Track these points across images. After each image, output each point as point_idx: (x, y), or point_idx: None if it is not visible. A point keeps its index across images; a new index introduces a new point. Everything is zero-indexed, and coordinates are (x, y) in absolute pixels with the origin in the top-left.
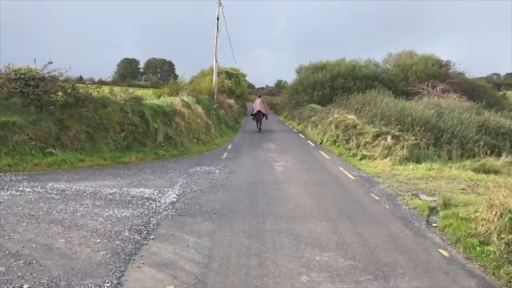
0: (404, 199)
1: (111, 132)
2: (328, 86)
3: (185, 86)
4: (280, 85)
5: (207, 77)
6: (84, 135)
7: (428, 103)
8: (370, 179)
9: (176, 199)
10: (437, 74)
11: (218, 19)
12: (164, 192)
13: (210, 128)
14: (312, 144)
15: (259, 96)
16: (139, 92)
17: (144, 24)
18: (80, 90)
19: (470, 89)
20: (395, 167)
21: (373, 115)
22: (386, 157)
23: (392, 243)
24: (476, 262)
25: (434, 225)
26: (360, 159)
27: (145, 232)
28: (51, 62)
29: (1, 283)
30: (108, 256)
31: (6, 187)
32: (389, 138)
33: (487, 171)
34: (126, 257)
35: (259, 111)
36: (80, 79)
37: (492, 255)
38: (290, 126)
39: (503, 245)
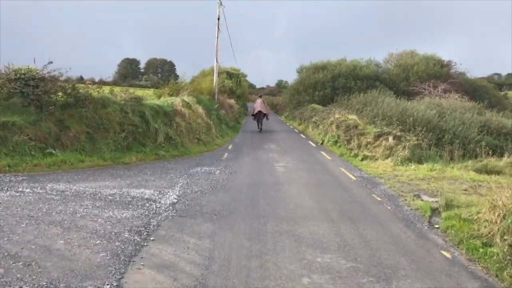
0: (406, 200)
1: (111, 133)
2: (329, 86)
3: (186, 86)
4: (280, 85)
5: (207, 77)
6: (84, 135)
7: (429, 103)
8: (372, 180)
9: (176, 200)
10: (438, 74)
11: (218, 19)
12: (165, 193)
13: (211, 128)
14: (313, 145)
15: (260, 96)
16: (139, 92)
17: (144, 24)
18: (80, 90)
19: (472, 89)
20: (396, 168)
21: (375, 115)
22: (387, 158)
23: (394, 245)
24: (479, 263)
25: (437, 226)
26: (362, 160)
27: (145, 233)
28: (51, 62)
29: (0, 285)
30: (108, 257)
31: (6, 188)
32: (390, 138)
33: (489, 171)
34: (126, 258)
35: (260, 111)
36: (81, 79)
37: (495, 257)
38: (291, 127)
39: (506, 247)
